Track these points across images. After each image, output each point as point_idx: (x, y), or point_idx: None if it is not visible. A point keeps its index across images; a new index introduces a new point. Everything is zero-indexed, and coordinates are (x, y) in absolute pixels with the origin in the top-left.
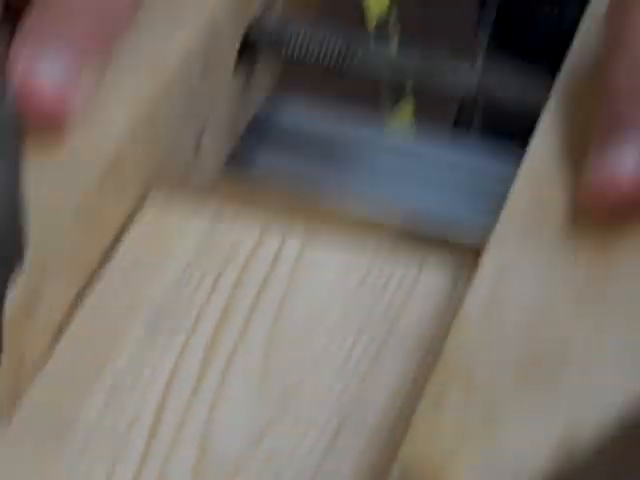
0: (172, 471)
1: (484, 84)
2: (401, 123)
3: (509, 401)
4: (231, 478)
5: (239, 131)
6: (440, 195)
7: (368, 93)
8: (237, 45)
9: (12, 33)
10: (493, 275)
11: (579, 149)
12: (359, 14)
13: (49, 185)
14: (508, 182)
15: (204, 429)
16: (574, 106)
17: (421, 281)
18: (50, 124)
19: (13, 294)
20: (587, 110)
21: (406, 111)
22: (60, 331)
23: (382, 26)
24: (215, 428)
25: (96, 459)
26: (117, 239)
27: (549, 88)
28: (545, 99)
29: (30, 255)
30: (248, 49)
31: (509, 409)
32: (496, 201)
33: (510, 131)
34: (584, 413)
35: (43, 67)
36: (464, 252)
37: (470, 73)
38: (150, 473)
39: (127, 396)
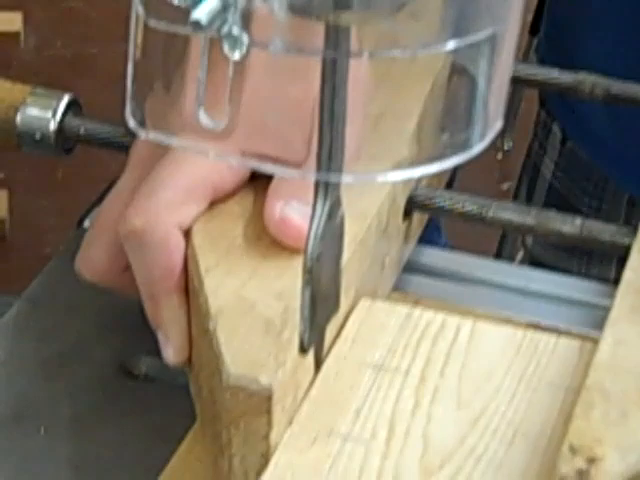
0: (404, 463)
1: None
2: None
3: (636, 407)
4: (445, 463)
5: (404, 260)
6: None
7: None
8: (403, 206)
9: None
10: (613, 340)
11: None
12: None
13: None
14: None
15: (424, 433)
16: None
17: (558, 347)
18: (296, 243)
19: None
20: None
21: None
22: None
23: None
24: (431, 433)
25: (351, 457)
26: (342, 324)
27: None
28: None
29: None
30: (408, 209)
31: (636, 411)
32: None
33: None
34: None
35: (292, 212)
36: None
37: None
38: (390, 462)
39: (367, 413)
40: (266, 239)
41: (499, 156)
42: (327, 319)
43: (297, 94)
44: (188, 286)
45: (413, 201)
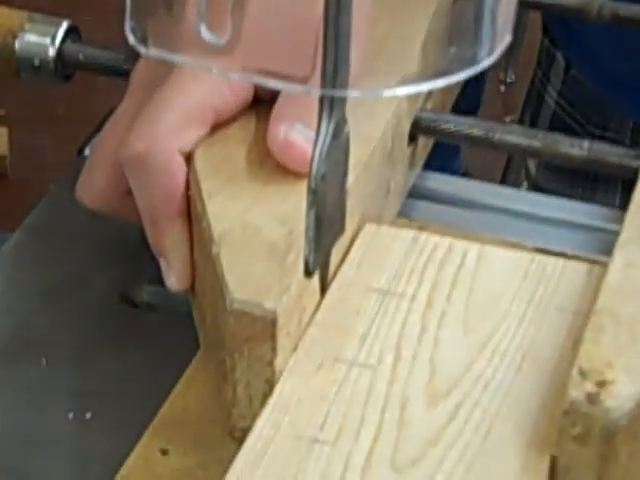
0: (411, 388)
1: None
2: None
3: None
4: (452, 389)
5: (409, 186)
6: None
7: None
8: (408, 129)
9: None
10: (623, 263)
11: None
12: None
13: None
14: None
15: (431, 358)
16: None
17: (566, 270)
18: (300, 167)
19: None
20: None
21: None
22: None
23: None
24: (438, 358)
25: (361, 374)
26: (347, 250)
27: None
28: None
29: None
30: (413, 133)
31: None
32: None
33: None
34: None
35: (296, 135)
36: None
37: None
38: (396, 388)
39: (374, 339)
40: (269, 163)
41: (502, 89)
42: (332, 241)
43: (301, 8)
44: (190, 212)
45: (418, 125)
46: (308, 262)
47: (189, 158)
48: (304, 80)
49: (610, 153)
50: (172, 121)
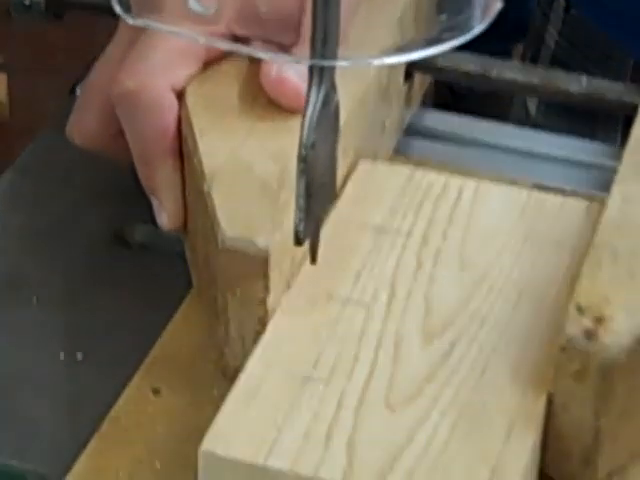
0: (406, 326)
1: None
2: None
3: None
4: (447, 326)
5: (405, 124)
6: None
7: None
8: (404, 67)
9: None
10: (622, 198)
11: None
12: None
13: None
14: None
15: (426, 295)
16: None
17: (564, 206)
18: (293, 103)
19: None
20: None
21: None
22: None
23: None
24: (433, 295)
25: (355, 311)
26: (343, 185)
27: None
28: None
29: None
30: (409, 71)
31: None
32: None
33: None
34: None
35: (289, 71)
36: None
37: None
38: (391, 326)
39: (368, 276)
40: (262, 100)
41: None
42: (323, 210)
43: None
44: (182, 150)
45: (414, 62)
46: (298, 230)
47: (181, 95)
48: (289, 48)
49: (609, 89)
50: (163, 58)
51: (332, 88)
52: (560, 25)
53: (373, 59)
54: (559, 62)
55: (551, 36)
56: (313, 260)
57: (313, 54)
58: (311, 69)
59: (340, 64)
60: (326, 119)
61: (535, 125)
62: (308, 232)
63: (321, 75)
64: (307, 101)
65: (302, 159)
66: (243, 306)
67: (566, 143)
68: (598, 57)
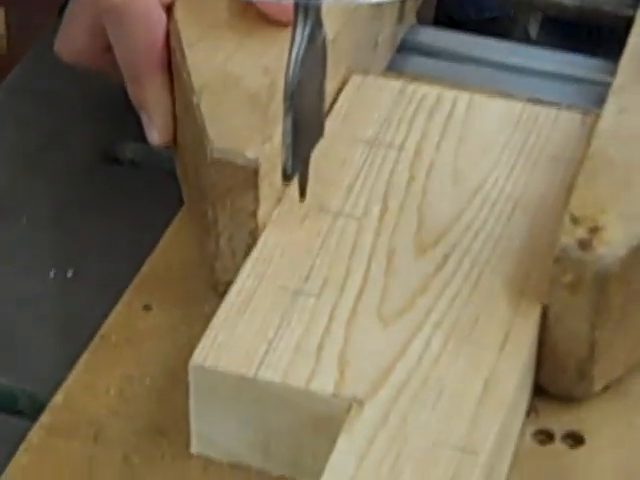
0: (399, 239)
1: None
2: None
3: None
4: (440, 239)
5: (398, 41)
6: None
7: None
8: None
9: None
10: (617, 108)
11: None
12: None
13: None
14: None
15: (419, 208)
16: None
17: (559, 119)
18: (282, 15)
19: None
20: None
21: None
22: None
23: None
24: (426, 208)
25: (347, 224)
26: (335, 100)
27: None
28: None
29: None
30: None
31: None
32: None
33: None
34: None
35: None
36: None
37: None
38: (383, 239)
39: (360, 189)
40: (252, 13)
41: None
42: (310, 147)
43: None
44: (171, 64)
45: None
46: (286, 168)
47: (169, 9)
48: None
49: (604, 1)
50: None
51: (318, 25)
52: None
53: None
54: None
55: None
56: (302, 195)
57: None
58: (296, 5)
59: (326, 0)
60: (312, 56)
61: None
62: (296, 169)
63: (306, 11)
64: (292, 38)
65: (288, 97)
66: (233, 219)
67: (563, 59)
68: None
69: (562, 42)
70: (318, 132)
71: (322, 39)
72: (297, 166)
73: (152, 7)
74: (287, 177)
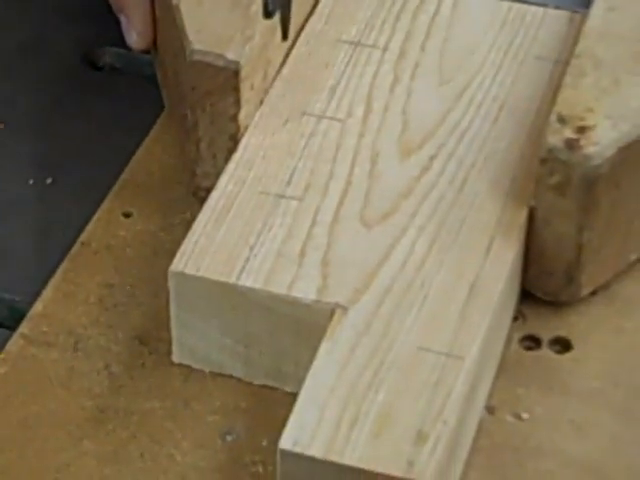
0: (383, 141)
1: None
2: None
3: (629, 73)
4: (425, 141)
5: None
6: None
7: None
8: None
9: None
10: (605, 6)
11: None
12: None
13: None
14: None
15: (404, 110)
16: None
17: (546, 18)
18: None
19: None
20: None
21: None
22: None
23: None
24: (411, 110)
25: (330, 127)
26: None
27: None
28: None
29: None
30: None
31: (629, 78)
32: None
33: None
34: None
35: None
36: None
37: None
38: (367, 141)
39: (343, 91)
40: None
41: None
42: None
43: None
44: None
45: None
46: (268, 3)
47: None
48: None
49: None
50: None
51: None
52: None
53: None
54: None
55: None
56: (284, 36)
57: None
58: None
59: None
60: None
61: None
62: (277, 4)
63: None
64: None
65: None
66: (214, 122)
67: None
68: None
69: None
70: None
71: None
72: (278, 1)
73: None
74: (268, 13)
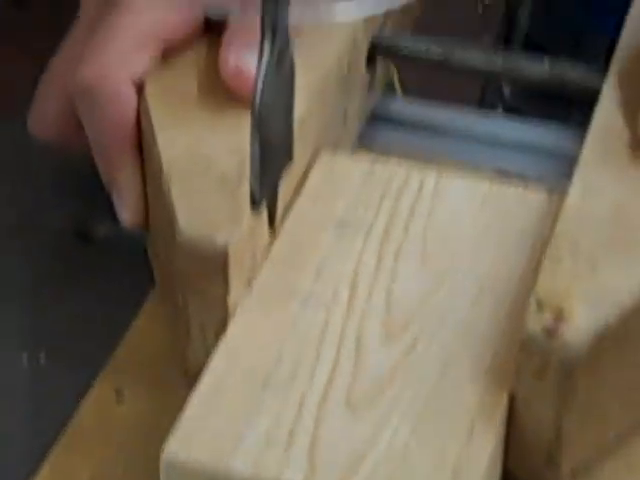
0: (367, 323)
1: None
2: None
3: (606, 258)
4: (408, 323)
5: (368, 112)
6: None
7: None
8: (366, 51)
9: None
10: (582, 189)
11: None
12: None
13: None
14: None
15: (387, 293)
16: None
17: (526, 198)
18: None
19: None
20: None
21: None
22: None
23: None
24: (394, 293)
25: (316, 309)
26: (305, 176)
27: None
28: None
29: None
30: (371, 55)
31: (607, 263)
32: None
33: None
34: None
35: (248, 63)
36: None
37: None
38: (354, 317)
39: (329, 273)
40: (221, 92)
41: (480, 10)
42: (279, 172)
43: None
44: (142, 144)
45: (376, 47)
46: (254, 193)
47: (140, 88)
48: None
49: (571, 73)
50: (121, 48)
51: (286, 45)
52: (533, 5)
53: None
54: (532, 44)
55: (524, 18)
56: (271, 224)
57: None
58: (263, 25)
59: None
60: (280, 77)
61: (509, 109)
62: (264, 195)
63: (274, 31)
64: (259, 59)
65: (255, 120)
66: (203, 305)
67: (533, 129)
68: (571, 37)
69: (535, 101)
70: (287, 156)
71: (290, 60)
72: (265, 192)
73: (122, 86)
74: (255, 204)
